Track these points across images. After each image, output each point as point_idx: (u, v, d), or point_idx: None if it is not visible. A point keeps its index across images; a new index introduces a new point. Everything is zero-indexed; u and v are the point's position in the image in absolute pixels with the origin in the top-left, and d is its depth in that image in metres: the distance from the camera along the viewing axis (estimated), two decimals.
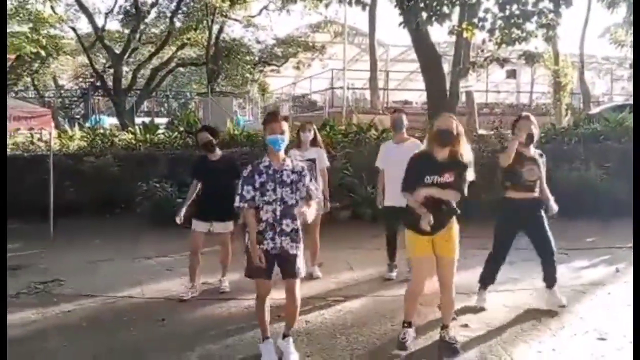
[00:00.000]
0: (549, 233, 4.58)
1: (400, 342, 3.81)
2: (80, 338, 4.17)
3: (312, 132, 5.67)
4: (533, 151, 4.59)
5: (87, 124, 16.27)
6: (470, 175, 3.79)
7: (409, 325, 3.91)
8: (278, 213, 3.59)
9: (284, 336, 3.78)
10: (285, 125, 3.69)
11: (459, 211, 3.80)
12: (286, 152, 3.92)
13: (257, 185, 3.59)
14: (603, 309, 4.62)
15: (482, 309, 4.60)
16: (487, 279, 4.76)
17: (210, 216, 5.07)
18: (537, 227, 4.58)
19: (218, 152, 5.23)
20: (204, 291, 5.21)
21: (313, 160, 5.48)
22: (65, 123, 18.99)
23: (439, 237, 3.76)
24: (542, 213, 4.59)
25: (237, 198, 3.62)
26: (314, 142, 5.69)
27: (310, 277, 5.40)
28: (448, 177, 3.72)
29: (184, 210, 5.16)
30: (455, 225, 3.84)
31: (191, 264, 5.15)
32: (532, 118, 4.61)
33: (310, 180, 3.75)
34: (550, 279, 4.68)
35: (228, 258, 5.25)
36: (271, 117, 3.82)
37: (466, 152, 3.78)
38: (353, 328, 4.24)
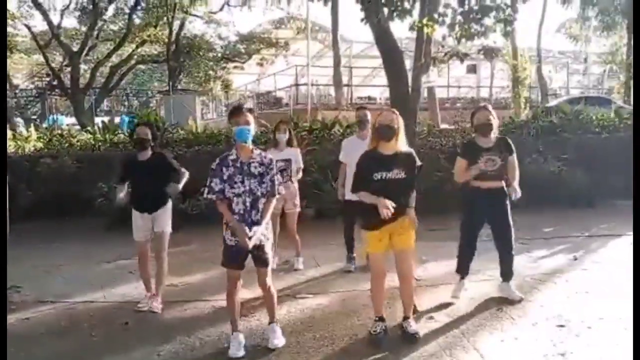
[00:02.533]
0: (511, 226, 4.61)
1: (372, 335, 3.85)
2: (38, 345, 4.03)
3: (287, 132, 5.83)
4: (494, 140, 4.57)
5: (44, 125, 15.74)
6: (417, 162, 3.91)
7: (380, 319, 3.93)
8: (248, 204, 3.68)
9: (269, 323, 3.90)
10: (250, 117, 3.75)
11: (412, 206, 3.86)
12: (265, 151, 4.03)
13: (225, 177, 3.66)
14: (562, 297, 4.73)
15: (453, 300, 4.64)
16: (460, 270, 4.81)
17: (149, 208, 4.69)
18: (499, 217, 4.61)
19: (149, 152, 4.74)
20: (167, 293, 5.08)
21: (289, 161, 5.65)
22: (21, 124, 18.34)
23: (393, 231, 3.81)
24: (507, 203, 4.60)
25: (206, 190, 3.70)
26: (289, 142, 5.85)
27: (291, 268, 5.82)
28: (398, 173, 3.76)
29: (122, 194, 4.78)
30: (408, 218, 3.86)
31: (141, 275, 4.89)
32: (490, 108, 4.65)
33: (275, 174, 3.81)
34: (506, 273, 4.75)
35: (163, 272, 4.82)
36: (235, 110, 3.97)
37: (402, 146, 3.83)
38: (320, 324, 4.24)
